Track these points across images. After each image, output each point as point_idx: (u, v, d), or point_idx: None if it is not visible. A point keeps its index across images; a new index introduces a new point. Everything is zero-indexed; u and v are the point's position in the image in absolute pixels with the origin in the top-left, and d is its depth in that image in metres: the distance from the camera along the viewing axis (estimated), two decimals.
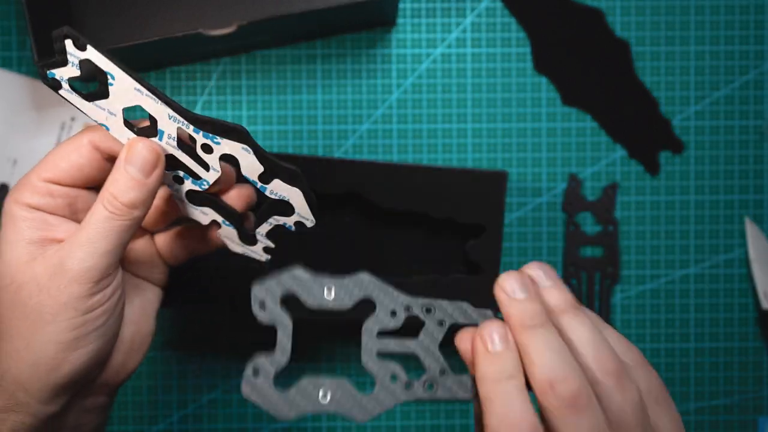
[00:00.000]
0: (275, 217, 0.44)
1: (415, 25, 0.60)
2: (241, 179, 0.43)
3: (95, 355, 0.39)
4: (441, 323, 0.39)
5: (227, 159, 0.41)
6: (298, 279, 0.38)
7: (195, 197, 0.42)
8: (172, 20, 0.58)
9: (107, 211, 0.38)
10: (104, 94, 0.39)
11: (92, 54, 0.37)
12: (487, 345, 0.37)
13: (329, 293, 0.38)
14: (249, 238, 0.44)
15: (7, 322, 0.39)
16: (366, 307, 0.39)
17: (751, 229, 0.60)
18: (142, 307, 0.44)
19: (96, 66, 0.38)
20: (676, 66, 0.60)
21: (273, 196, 0.42)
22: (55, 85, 0.38)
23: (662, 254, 0.60)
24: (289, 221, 0.43)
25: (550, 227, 0.60)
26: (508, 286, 0.37)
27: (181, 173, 0.41)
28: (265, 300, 0.38)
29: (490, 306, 0.40)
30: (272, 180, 0.42)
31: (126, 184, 0.38)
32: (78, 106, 0.39)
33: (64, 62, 0.37)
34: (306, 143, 0.59)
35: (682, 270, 0.60)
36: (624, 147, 0.60)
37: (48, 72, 0.38)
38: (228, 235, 0.44)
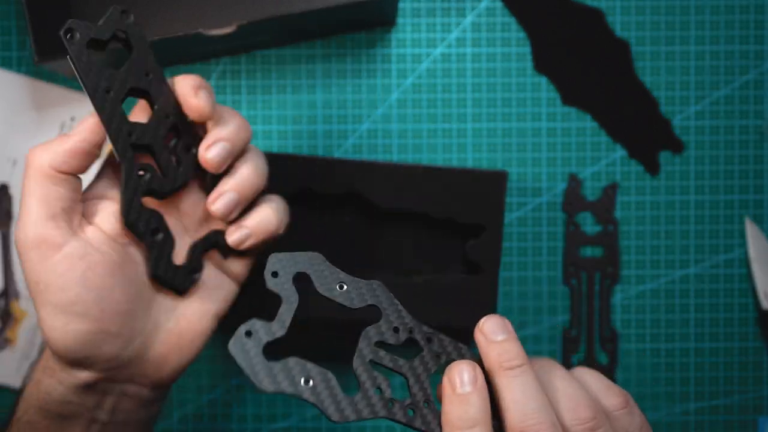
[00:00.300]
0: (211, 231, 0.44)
1: (415, 25, 0.60)
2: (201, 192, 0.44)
3: (85, 334, 0.39)
4: (438, 356, 0.39)
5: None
6: (315, 264, 0.38)
7: (154, 196, 0.42)
8: (172, 20, 0.58)
9: (30, 170, 0.40)
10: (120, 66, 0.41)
11: (131, 26, 0.41)
12: (455, 386, 0.36)
13: (341, 288, 0.38)
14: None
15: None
16: (371, 310, 0.39)
17: (751, 229, 0.60)
18: (202, 304, 0.44)
19: (131, 40, 0.41)
20: (676, 66, 0.60)
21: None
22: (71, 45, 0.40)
23: (662, 254, 0.60)
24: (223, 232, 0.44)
25: (550, 227, 0.60)
26: (487, 328, 0.37)
27: (148, 168, 0.42)
28: (279, 271, 0.38)
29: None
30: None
31: (50, 143, 0.40)
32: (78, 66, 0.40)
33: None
34: (306, 143, 0.59)
35: (682, 270, 0.60)
36: (624, 147, 0.60)
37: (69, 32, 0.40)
38: (156, 251, 0.42)
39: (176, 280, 0.42)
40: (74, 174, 0.41)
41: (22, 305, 0.59)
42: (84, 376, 0.40)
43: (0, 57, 0.59)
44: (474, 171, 0.54)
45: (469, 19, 0.60)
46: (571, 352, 0.60)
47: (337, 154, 0.59)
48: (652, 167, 0.60)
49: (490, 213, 0.54)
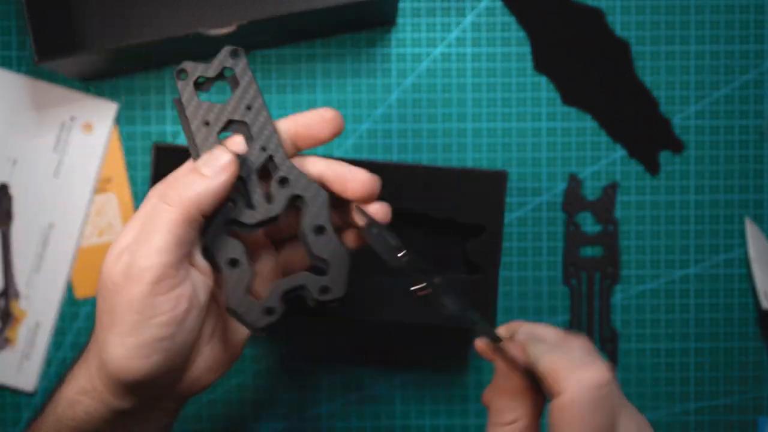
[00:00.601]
0: (302, 275, 0.42)
1: (415, 25, 0.60)
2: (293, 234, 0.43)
3: (158, 368, 0.39)
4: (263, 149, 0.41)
5: (292, 206, 0.41)
6: None
7: (238, 227, 0.41)
8: (172, 20, 0.58)
9: (165, 203, 0.39)
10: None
11: (240, 63, 0.42)
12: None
13: None
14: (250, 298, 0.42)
15: (98, 310, 0.40)
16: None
17: (751, 229, 0.60)
18: (237, 329, 0.43)
19: (235, 73, 0.42)
20: (676, 66, 0.60)
21: (317, 253, 0.41)
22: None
23: (662, 254, 0.60)
24: (314, 285, 0.41)
25: (550, 227, 0.60)
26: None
27: (237, 197, 0.41)
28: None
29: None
30: (325, 233, 0.41)
31: (191, 178, 0.39)
32: (185, 98, 0.42)
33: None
34: None
35: (682, 270, 0.60)
36: (624, 147, 0.60)
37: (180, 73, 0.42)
38: (233, 282, 0.41)
39: (250, 316, 0.41)
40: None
41: (22, 305, 0.59)
42: (133, 400, 0.40)
43: (0, 57, 0.59)
44: (474, 171, 0.54)
45: (469, 18, 0.60)
46: None
47: (337, 154, 0.59)
48: (652, 167, 0.60)
49: (490, 213, 0.54)
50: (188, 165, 0.41)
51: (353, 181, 0.41)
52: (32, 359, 0.59)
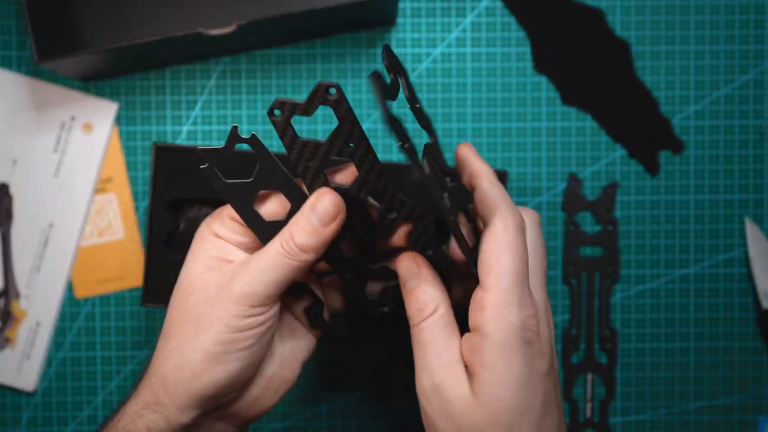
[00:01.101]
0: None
1: (415, 25, 0.60)
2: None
3: (234, 375, 0.41)
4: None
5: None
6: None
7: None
8: (172, 20, 0.58)
9: (281, 247, 0.41)
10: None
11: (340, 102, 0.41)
12: (404, 284, 0.43)
13: None
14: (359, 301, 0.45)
15: (173, 323, 0.42)
16: None
17: (751, 229, 0.60)
18: (292, 351, 0.46)
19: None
20: (676, 65, 0.60)
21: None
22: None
23: (662, 254, 0.60)
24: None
25: (550, 227, 0.60)
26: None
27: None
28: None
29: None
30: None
31: (303, 228, 0.41)
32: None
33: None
34: None
35: (682, 270, 0.60)
36: (624, 147, 0.60)
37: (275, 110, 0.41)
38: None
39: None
40: None
41: (22, 305, 0.59)
42: (194, 415, 0.42)
43: (0, 57, 0.59)
44: None
45: (469, 19, 0.60)
46: (570, 351, 0.60)
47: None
48: (652, 167, 0.60)
49: None
50: (304, 212, 0.42)
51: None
52: (32, 359, 0.59)
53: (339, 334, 0.46)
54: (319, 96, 0.40)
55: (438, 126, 0.60)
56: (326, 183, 0.42)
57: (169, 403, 0.41)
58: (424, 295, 0.41)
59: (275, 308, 0.42)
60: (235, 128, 0.41)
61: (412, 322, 0.41)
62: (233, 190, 0.42)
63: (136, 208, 0.60)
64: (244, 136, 0.41)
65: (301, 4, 0.58)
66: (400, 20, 0.60)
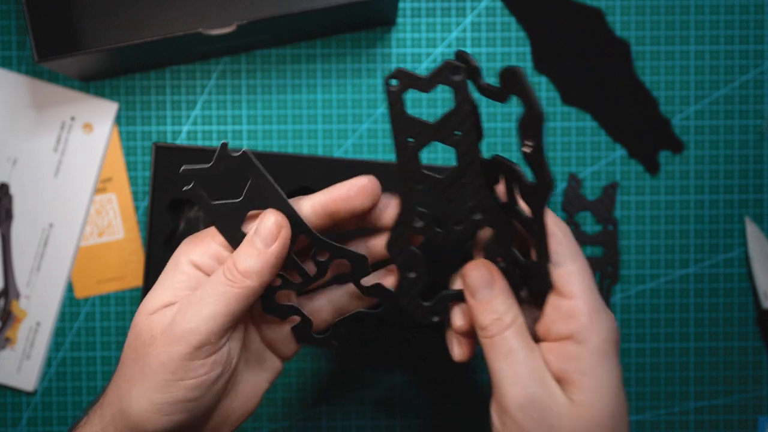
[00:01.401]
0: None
1: (415, 25, 0.60)
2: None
3: (179, 426, 0.39)
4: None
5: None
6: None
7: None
8: (172, 20, 0.58)
9: (223, 275, 0.38)
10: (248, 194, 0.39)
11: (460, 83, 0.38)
12: (474, 294, 0.41)
13: None
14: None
15: (125, 360, 0.39)
16: None
17: (751, 229, 0.60)
18: (254, 385, 0.43)
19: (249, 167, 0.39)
20: (676, 65, 0.60)
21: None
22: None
23: (662, 254, 0.60)
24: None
25: None
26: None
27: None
28: None
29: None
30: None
31: (247, 252, 0.39)
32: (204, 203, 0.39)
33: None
34: (306, 142, 0.59)
35: (682, 270, 0.60)
36: (624, 147, 0.60)
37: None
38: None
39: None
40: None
41: (22, 305, 0.59)
42: None
43: (0, 57, 0.59)
44: None
45: (469, 18, 0.60)
46: None
47: (337, 154, 0.59)
48: (652, 167, 0.60)
49: None
50: (248, 236, 0.39)
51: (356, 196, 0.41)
52: (32, 359, 0.59)
53: (328, 347, 0.44)
54: (443, 74, 0.38)
55: None
56: (419, 168, 0.40)
57: None
58: (503, 305, 0.39)
59: (224, 351, 0.39)
60: (224, 145, 0.38)
61: (486, 333, 0.39)
62: (221, 211, 0.39)
63: (136, 208, 0.60)
64: (234, 155, 0.38)
65: (301, 4, 0.58)
66: (400, 20, 0.60)
